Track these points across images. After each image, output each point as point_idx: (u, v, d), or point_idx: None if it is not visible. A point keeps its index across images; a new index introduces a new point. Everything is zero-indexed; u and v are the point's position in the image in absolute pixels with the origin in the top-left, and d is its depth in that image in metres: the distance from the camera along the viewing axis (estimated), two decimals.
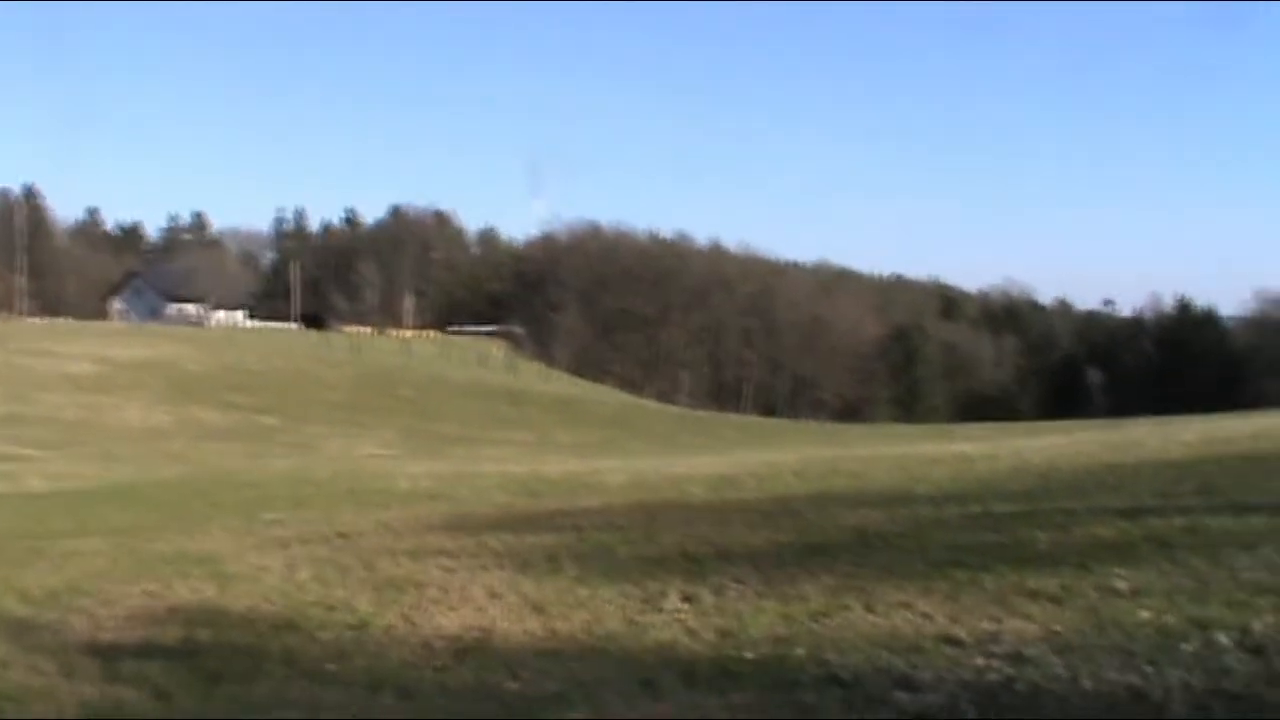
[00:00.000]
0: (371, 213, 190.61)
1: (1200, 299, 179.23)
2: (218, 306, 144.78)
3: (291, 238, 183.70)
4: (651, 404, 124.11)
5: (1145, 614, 7.81)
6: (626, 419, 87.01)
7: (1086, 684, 6.45)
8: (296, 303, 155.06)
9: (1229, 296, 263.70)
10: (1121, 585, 8.66)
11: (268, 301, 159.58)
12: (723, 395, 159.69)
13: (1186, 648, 6.98)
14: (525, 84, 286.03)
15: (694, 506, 15.70)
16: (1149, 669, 6.61)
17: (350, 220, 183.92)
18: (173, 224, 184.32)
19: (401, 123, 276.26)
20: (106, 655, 8.43)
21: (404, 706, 7.08)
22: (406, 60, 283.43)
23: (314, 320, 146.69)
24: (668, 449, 50.86)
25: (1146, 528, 11.05)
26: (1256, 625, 7.31)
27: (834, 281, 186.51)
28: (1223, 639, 7.09)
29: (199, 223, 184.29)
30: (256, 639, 8.80)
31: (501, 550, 12.47)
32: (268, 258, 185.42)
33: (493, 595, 10.05)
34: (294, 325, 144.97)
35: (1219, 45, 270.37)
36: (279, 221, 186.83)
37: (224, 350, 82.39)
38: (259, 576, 11.51)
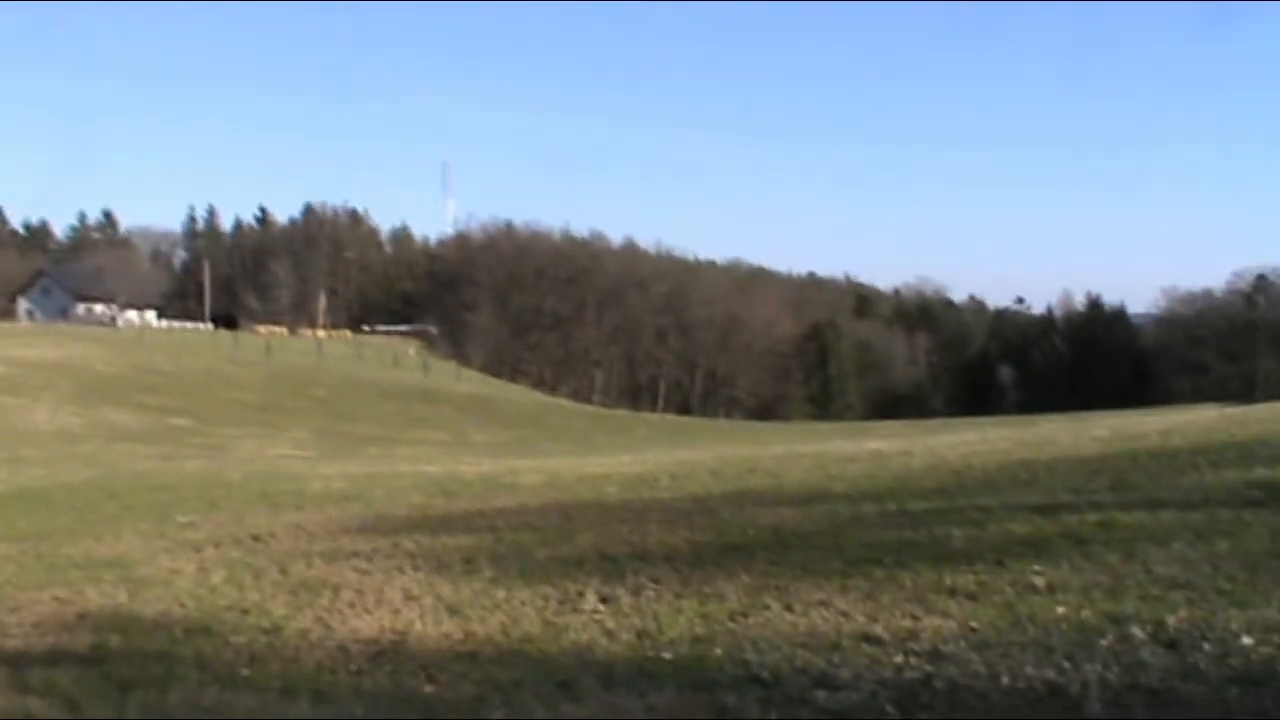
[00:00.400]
0: (284, 211, 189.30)
1: (1111, 297, 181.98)
2: (128, 306, 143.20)
3: (203, 236, 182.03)
4: (566, 403, 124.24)
5: (1062, 610, 7.86)
6: (541, 418, 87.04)
7: (1005, 680, 6.47)
8: (208, 302, 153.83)
9: (1139, 295, 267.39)
10: (1038, 581, 8.71)
11: (179, 301, 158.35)
12: (637, 394, 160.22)
13: (1103, 643, 7.02)
14: (437, 81, 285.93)
15: (610, 506, 15.67)
16: (1066, 664, 6.64)
17: (262, 219, 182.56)
18: (81, 222, 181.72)
19: (314, 120, 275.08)
20: (14, 663, 8.26)
21: (319, 711, 6.97)
22: (318, 58, 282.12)
23: (226, 320, 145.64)
24: (583, 448, 50.85)
25: (1061, 524, 11.14)
26: (1170, 620, 7.37)
27: (748, 280, 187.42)
28: (1138, 633, 7.14)
29: (108, 221, 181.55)
30: (169, 644, 8.66)
31: (417, 552, 12.39)
32: (179, 257, 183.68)
33: (409, 597, 9.97)
34: (206, 325, 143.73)
35: (1126, 46, 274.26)
36: (190, 220, 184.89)
37: (134, 351, 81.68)
38: (171, 580, 11.36)
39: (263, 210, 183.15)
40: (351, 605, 9.79)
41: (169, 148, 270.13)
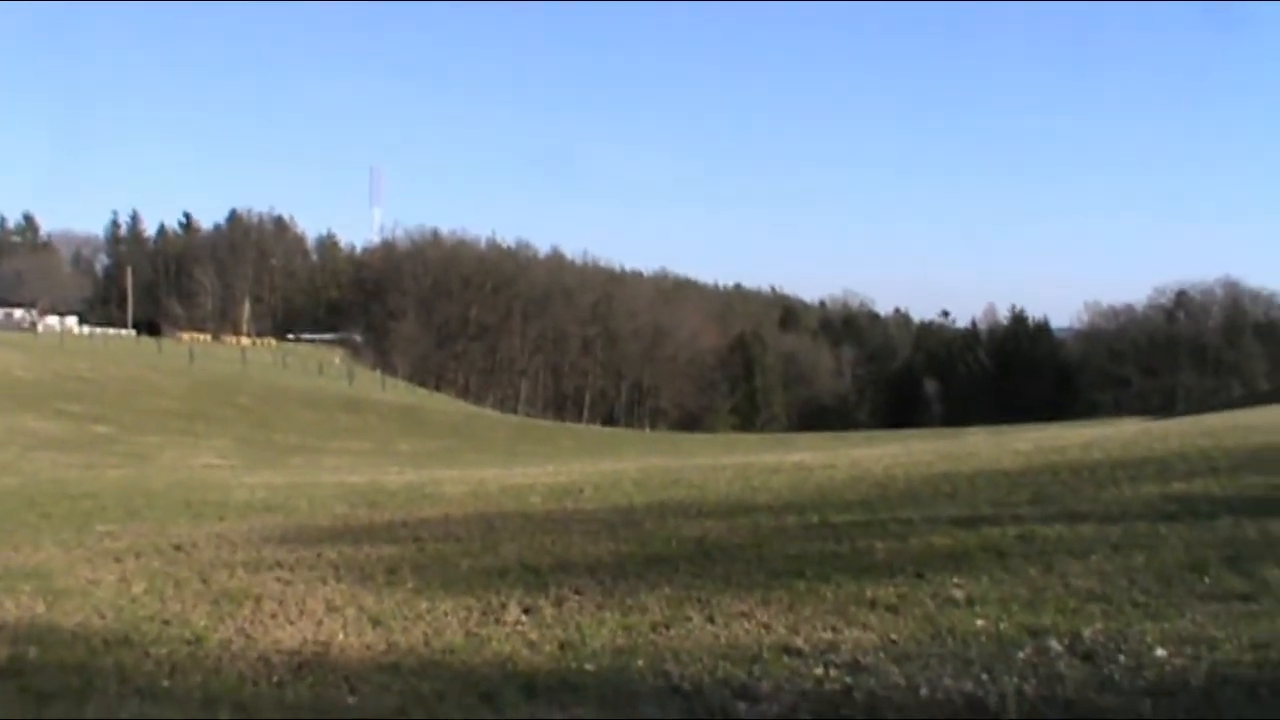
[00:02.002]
0: (209, 217, 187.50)
1: (1034, 311, 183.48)
2: (49, 312, 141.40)
3: (126, 242, 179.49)
4: (491, 413, 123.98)
5: (981, 622, 7.93)
6: (466, 428, 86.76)
7: (924, 692, 6.52)
8: (131, 309, 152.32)
9: (1062, 309, 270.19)
10: (958, 594, 8.79)
11: (101, 307, 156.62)
12: (563, 404, 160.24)
13: (1020, 655, 7.10)
14: (365, 90, 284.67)
15: (534, 517, 15.64)
16: (984, 676, 6.70)
17: (187, 225, 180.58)
18: (0, 226, 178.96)
19: (239, 126, 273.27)
20: None
21: None
22: (244, 63, 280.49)
23: (149, 327, 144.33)
24: (508, 458, 50.73)
25: (982, 536, 11.24)
26: (1087, 632, 7.46)
27: (674, 291, 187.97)
28: (1055, 646, 7.22)
29: (28, 224, 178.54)
30: (88, 656, 8.55)
31: (340, 562, 12.32)
32: (101, 262, 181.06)
33: (331, 608, 9.91)
34: (129, 332, 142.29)
35: (1052, 64, 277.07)
36: (113, 225, 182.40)
37: (55, 357, 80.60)
38: (91, 591, 11.21)
39: (187, 216, 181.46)
40: (274, 616, 9.71)
41: (92, 151, 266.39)
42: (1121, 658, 6.89)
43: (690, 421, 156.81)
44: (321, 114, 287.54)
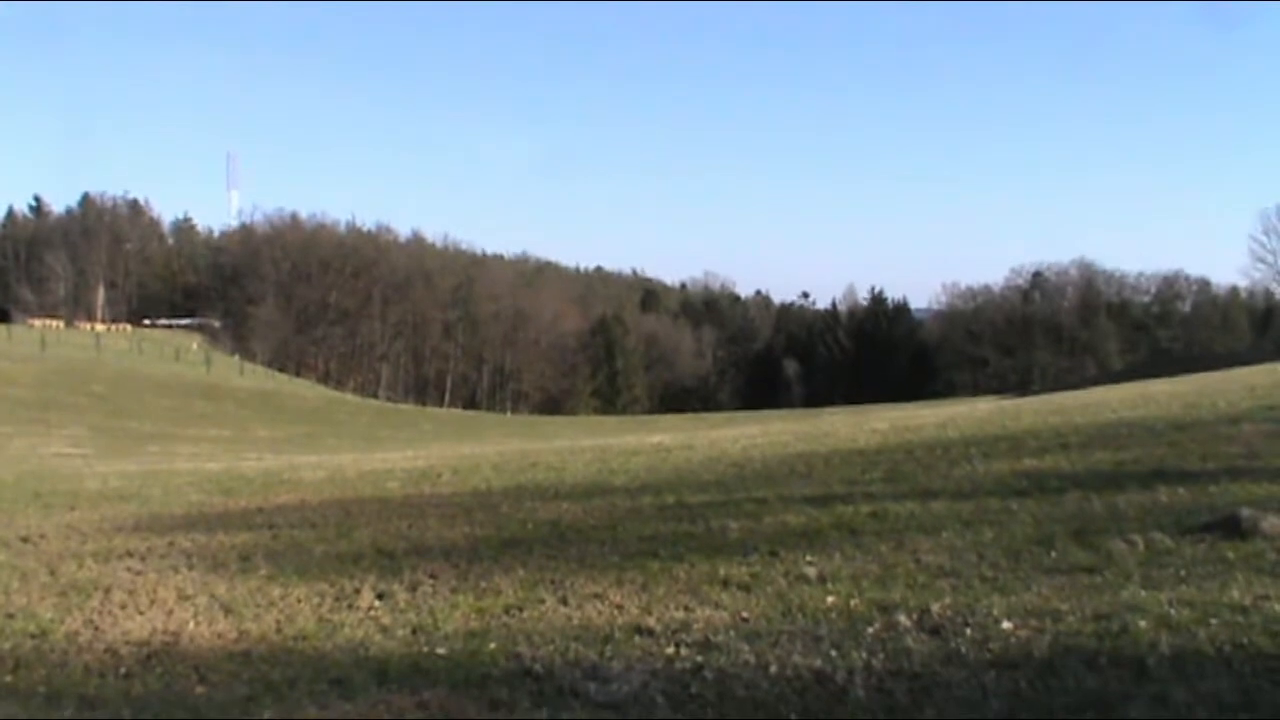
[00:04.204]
0: (60, 200, 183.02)
1: (893, 292, 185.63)
2: None
3: None
4: (352, 398, 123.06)
5: (831, 599, 8.00)
6: (326, 413, 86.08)
7: (773, 669, 6.55)
8: None
9: (920, 291, 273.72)
10: (810, 571, 8.86)
11: None
12: (424, 389, 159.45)
13: (870, 631, 7.16)
14: (220, 70, 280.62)
15: (391, 502, 15.59)
16: (833, 652, 6.76)
17: (37, 208, 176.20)
18: None
19: (92, 107, 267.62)
20: None
21: (86, 717, 6.80)
22: (96, 42, 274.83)
23: None
24: (367, 443, 50.51)
25: (835, 515, 11.35)
26: (935, 606, 7.55)
27: (535, 274, 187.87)
28: (904, 621, 7.30)
29: None
30: None
31: (193, 550, 12.21)
32: None
33: (182, 597, 9.80)
34: None
35: (915, 44, 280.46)
36: None
37: None
38: None
39: (37, 199, 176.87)
40: (123, 606, 9.59)
41: None
42: (968, 631, 6.97)
43: (552, 405, 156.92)
44: (175, 95, 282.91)
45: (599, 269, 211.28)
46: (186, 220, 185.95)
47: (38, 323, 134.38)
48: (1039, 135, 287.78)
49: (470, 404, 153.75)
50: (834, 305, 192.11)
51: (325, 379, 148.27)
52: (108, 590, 10.30)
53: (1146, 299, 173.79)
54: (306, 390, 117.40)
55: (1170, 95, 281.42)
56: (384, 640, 7.96)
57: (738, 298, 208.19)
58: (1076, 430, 18.26)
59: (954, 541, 9.60)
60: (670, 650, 7.10)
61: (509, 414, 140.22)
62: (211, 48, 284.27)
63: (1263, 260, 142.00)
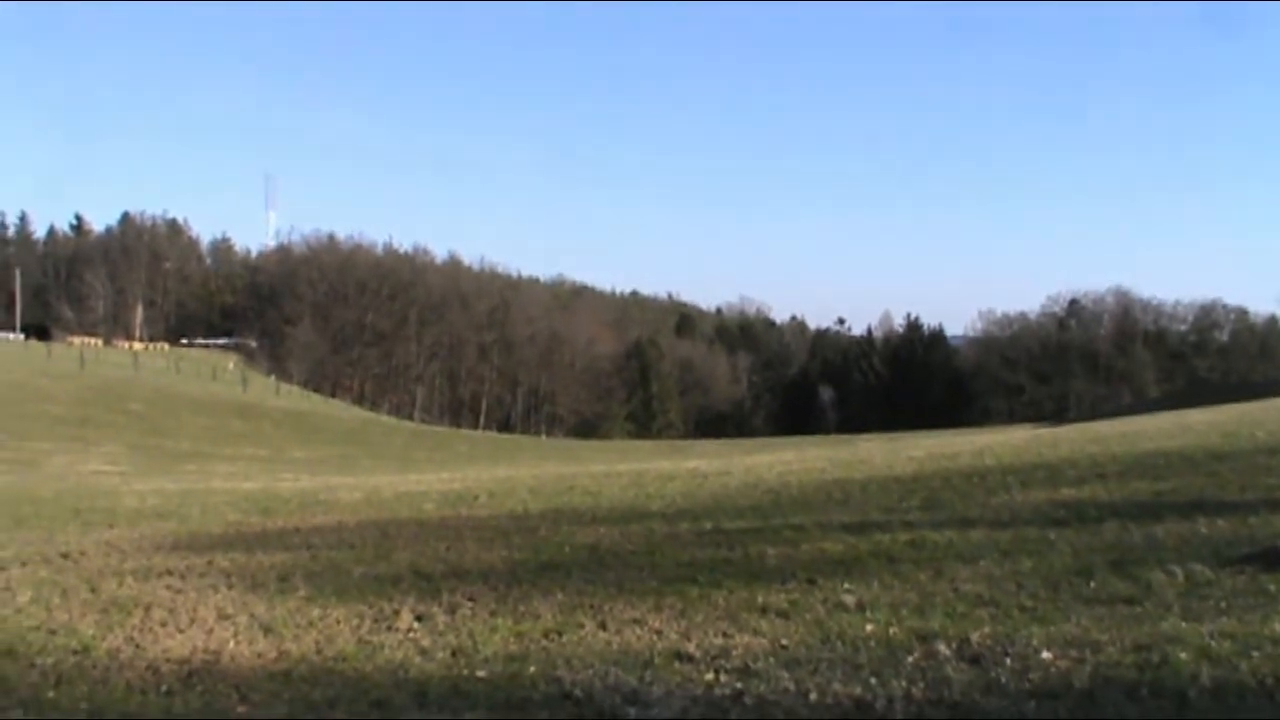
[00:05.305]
0: (101, 219, 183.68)
1: (929, 319, 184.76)
2: None
3: (14, 243, 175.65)
4: (387, 419, 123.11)
5: (870, 627, 8.00)
6: (361, 434, 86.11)
7: (813, 696, 6.55)
8: (19, 312, 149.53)
9: (956, 317, 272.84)
10: (848, 599, 8.86)
11: None
12: (459, 410, 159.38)
13: (909, 659, 7.16)
14: (262, 92, 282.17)
15: (428, 524, 15.60)
16: (873, 680, 6.75)
17: (78, 227, 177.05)
18: None
19: (132, 128, 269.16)
20: None
21: None
22: (140, 63, 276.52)
23: (38, 331, 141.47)
24: (403, 465, 50.47)
25: (873, 542, 11.34)
26: (975, 636, 7.54)
27: (571, 297, 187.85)
28: (943, 649, 7.29)
29: None
30: None
31: (231, 570, 12.22)
32: None
33: (222, 616, 9.82)
34: (17, 335, 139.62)
35: (946, 74, 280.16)
36: (0, 226, 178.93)
37: None
38: None
39: (78, 218, 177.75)
40: (163, 624, 9.61)
41: None
42: (1008, 661, 6.97)
43: (586, 428, 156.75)
44: (216, 116, 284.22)
45: (634, 293, 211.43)
46: (225, 240, 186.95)
47: (77, 340, 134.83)
48: (1077, 163, 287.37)
49: (505, 426, 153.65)
50: (869, 331, 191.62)
51: (360, 400, 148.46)
52: (148, 608, 10.32)
53: (1184, 328, 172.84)
54: (342, 411, 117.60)
55: (1208, 123, 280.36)
56: (424, 662, 7.98)
57: (773, 323, 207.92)
58: (1114, 459, 18.21)
59: (992, 570, 9.60)
60: (710, 676, 7.10)
61: (544, 437, 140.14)
62: (252, 71, 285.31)
63: None
